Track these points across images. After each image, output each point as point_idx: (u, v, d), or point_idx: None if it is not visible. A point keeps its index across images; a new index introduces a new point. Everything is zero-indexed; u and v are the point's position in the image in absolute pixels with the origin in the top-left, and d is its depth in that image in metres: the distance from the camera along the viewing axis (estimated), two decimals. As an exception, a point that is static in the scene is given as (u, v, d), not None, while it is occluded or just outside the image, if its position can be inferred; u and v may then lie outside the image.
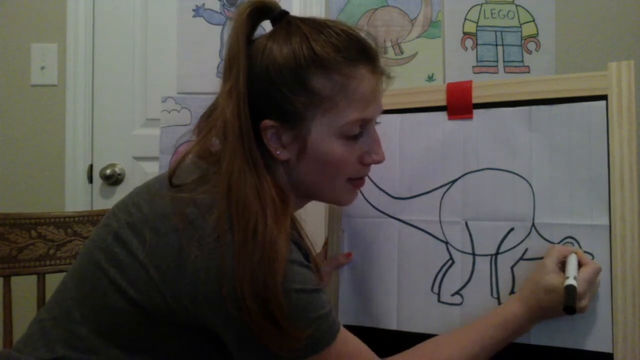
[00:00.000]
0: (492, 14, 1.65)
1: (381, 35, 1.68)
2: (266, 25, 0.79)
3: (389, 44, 1.68)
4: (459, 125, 0.93)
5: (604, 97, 0.84)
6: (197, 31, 1.66)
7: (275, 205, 0.67)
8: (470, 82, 0.93)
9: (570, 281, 0.74)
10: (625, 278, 0.79)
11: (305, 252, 0.72)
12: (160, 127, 1.58)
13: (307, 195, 0.82)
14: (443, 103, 0.94)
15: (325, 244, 1.04)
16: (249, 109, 0.70)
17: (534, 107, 0.88)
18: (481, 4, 1.65)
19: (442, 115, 0.95)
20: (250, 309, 0.62)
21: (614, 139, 0.82)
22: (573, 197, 0.84)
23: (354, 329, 0.96)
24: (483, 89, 0.92)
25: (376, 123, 0.81)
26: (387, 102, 0.97)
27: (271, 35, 0.74)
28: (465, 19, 1.65)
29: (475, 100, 0.92)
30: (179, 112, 1.58)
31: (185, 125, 1.55)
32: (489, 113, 0.91)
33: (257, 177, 0.68)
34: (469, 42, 1.65)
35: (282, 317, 0.63)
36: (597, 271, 0.78)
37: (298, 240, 0.72)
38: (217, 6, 1.66)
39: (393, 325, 0.95)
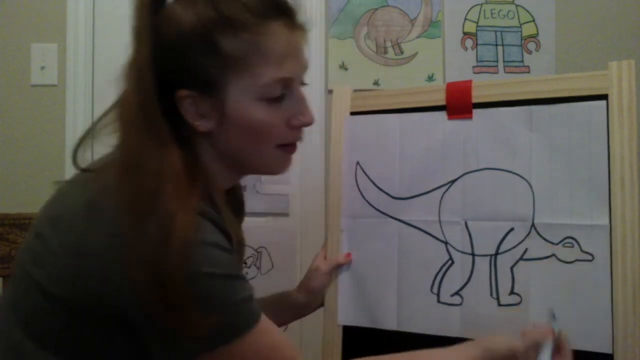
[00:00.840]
0: (492, 14, 1.65)
1: (381, 35, 1.68)
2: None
3: (389, 44, 1.68)
4: (458, 125, 0.93)
5: (604, 97, 0.83)
6: (197, 31, 1.66)
7: (179, 180, 0.63)
8: (470, 81, 0.93)
9: None
10: (625, 278, 0.79)
11: (227, 235, 0.68)
12: (160, 127, 1.58)
13: (238, 166, 0.76)
14: (443, 103, 0.94)
15: (325, 244, 1.04)
16: (155, 81, 0.65)
17: (534, 107, 0.88)
18: (481, 4, 1.65)
19: (442, 115, 0.94)
20: (148, 292, 0.58)
21: (615, 139, 0.82)
22: (573, 197, 0.84)
23: (354, 329, 0.97)
24: (483, 88, 0.92)
25: (303, 84, 0.75)
26: (387, 102, 0.99)
27: (177, 0, 0.70)
28: (465, 19, 1.65)
29: (475, 100, 0.92)
30: (178, 112, 1.58)
31: None
32: (489, 113, 0.91)
33: (158, 151, 0.64)
34: (469, 42, 1.64)
35: (181, 302, 0.59)
36: None
37: (218, 220, 0.67)
38: (217, 6, 1.66)
39: (393, 326, 0.95)
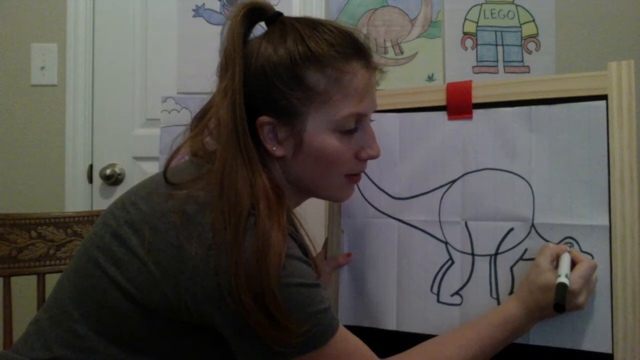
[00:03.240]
0: (492, 14, 1.65)
1: (381, 35, 1.68)
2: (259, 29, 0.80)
3: (389, 44, 1.68)
4: (458, 125, 0.93)
5: (604, 97, 0.83)
6: (197, 31, 1.66)
7: (269, 200, 0.68)
8: (470, 82, 0.93)
9: (562, 279, 0.75)
10: (625, 278, 0.79)
11: (304, 248, 0.73)
12: (160, 127, 1.58)
13: (304, 191, 0.82)
14: (443, 103, 0.94)
15: (325, 244, 1.04)
16: (244, 107, 0.71)
17: (534, 107, 0.88)
18: (481, 4, 1.65)
19: (442, 115, 0.94)
20: (246, 304, 0.62)
21: (614, 139, 0.82)
22: (573, 198, 0.84)
23: (354, 329, 0.96)
24: (483, 89, 0.92)
25: (370, 121, 0.82)
26: (387, 102, 0.99)
27: (266, 35, 0.76)
28: (465, 19, 1.65)
29: (475, 100, 0.92)
30: (179, 112, 1.58)
31: (185, 125, 1.54)
32: (489, 113, 0.91)
33: (251, 172, 0.69)
34: (469, 42, 1.64)
35: (279, 312, 0.63)
36: (593, 268, 0.78)
37: (296, 235, 0.73)
38: (217, 6, 1.66)
39: (392, 326, 0.94)
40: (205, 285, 0.64)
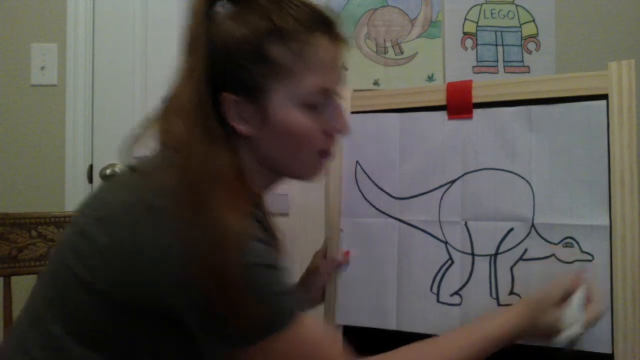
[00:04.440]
0: (492, 14, 1.66)
1: (381, 35, 1.68)
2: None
3: (389, 44, 1.69)
4: (458, 125, 0.93)
5: (604, 97, 0.83)
6: (197, 31, 1.66)
7: (230, 181, 0.68)
8: (470, 81, 0.92)
9: (575, 329, 0.74)
10: (625, 279, 0.79)
11: (270, 233, 0.72)
12: (160, 127, 1.58)
13: (275, 171, 0.80)
14: (443, 103, 0.94)
15: (325, 243, 1.04)
16: (208, 86, 0.70)
17: (534, 107, 0.87)
18: (481, 4, 1.66)
19: (442, 115, 0.94)
20: (208, 287, 0.62)
21: (615, 139, 0.82)
22: (573, 197, 0.84)
23: (353, 329, 0.97)
24: (483, 88, 0.92)
25: (339, 96, 0.79)
26: (387, 102, 0.99)
27: (229, 11, 0.74)
28: (465, 19, 1.66)
29: (475, 100, 0.92)
30: (178, 112, 1.58)
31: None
32: (489, 113, 0.91)
33: (212, 152, 0.68)
34: (469, 42, 1.65)
35: (238, 292, 0.62)
36: (602, 313, 0.78)
37: (262, 219, 0.72)
38: (217, 6, 1.66)
39: (392, 326, 0.94)
40: (165, 271, 0.63)
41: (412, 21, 1.67)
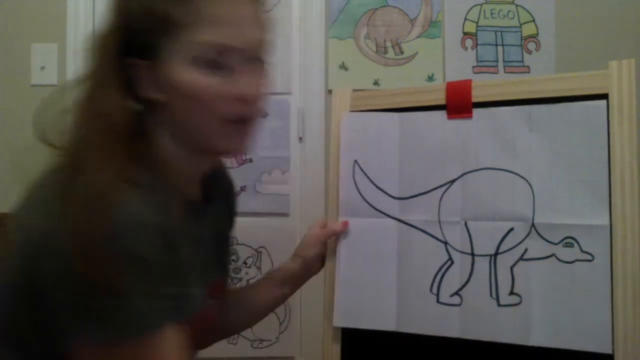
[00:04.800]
0: (492, 14, 1.66)
1: (381, 35, 1.68)
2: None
3: (389, 44, 1.69)
4: (458, 124, 0.92)
5: (604, 96, 0.83)
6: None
7: (115, 155, 0.63)
8: (469, 81, 0.92)
9: None
10: (625, 279, 0.79)
11: (168, 221, 0.65)
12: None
13: (192, 146, 0.74)
14: (442, 102, 0.93)
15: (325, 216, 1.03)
16: (116, 54, 0.68)
17: (534, 107, 0.87)
18: (481, 4, 1.67)
19: (442, 114, 0.93)
20: (72, 265, 0.57)
21: (615, 139, 0.81)
22: (573, 197, 0.83)
23: (353, 331, 0.96)
24: (483, 88, 0.91)
25: (260, 61, 0.74)
26: (386, 101, 0.98)
27: None
28: (465, 19, 1.67)
29: (474, 100, 0.91)
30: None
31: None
32: (489, 112, 0.90)
33: (103, 93, 0.67)
34: (469, 42, 1.66)
35: (104, 280, 0.57)
36: None
37: (164, 203, 0.65)
38: (217, 6, 1.66)
39: (392, 327, 0.93)
40: (46, 264, 0.60)
41: (412, 21, 1.68)
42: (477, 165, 0.90)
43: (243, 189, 1.62)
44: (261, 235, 1.62)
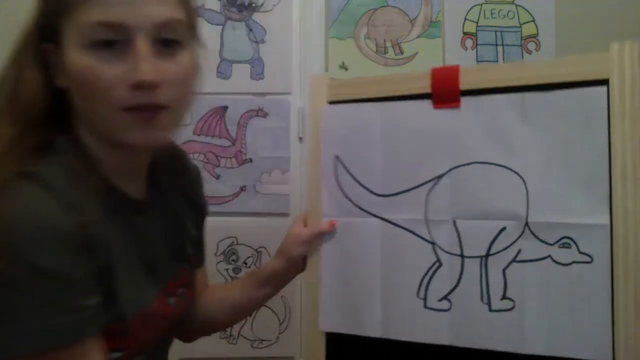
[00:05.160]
0: (492, 14, 1.67)
1: (381, 35, 1.69)
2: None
3: (389, 44, 1.69)
4: (445, 114, 0.87)
5: (605, 82, 0.78)
6: (197, 31, 1.67)
7: (19, 145, 0.62)
8: (457, 66, 0.87)
9: None
10: (627, 282, 0.75)
11: (88, 223, 0.61)
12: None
13: (100, 136, 0.69)
14: (427, 90, 0.88)
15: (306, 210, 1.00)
16: (33, 40, 0.68)
17: (527, 94, 0.82)
18: (481, 4, 1.68)
19: (427, 104, 0.89)
20: None
21: (616, 129, 0.76)
22: (570, 194, 0.79)
23: (337, 337, 0.94)
24: (471, 74, 0.86)
25: (158, 39, 0.66)
26: (367, 90, 0.94)
27: None
28: (465, 19, 1.67)
29: (463, 87, 0.86)
30: (179, 111, 1.57)
31: (185, 125, 1.53)
32: (478, 101, 0.85)
33: (17, 68, 0.66)
34: (469, 42, 1.66)
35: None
36: None
37: (80, 202, 0.61)
38: (217, 6, 1.65)
39: (377, 333, 0.91)
40: None
41: (412, 21, 1.68)
42: (466, 159, 0.86)
43: (243, 189, 1.63)
44: (261, 235, 1.61)
